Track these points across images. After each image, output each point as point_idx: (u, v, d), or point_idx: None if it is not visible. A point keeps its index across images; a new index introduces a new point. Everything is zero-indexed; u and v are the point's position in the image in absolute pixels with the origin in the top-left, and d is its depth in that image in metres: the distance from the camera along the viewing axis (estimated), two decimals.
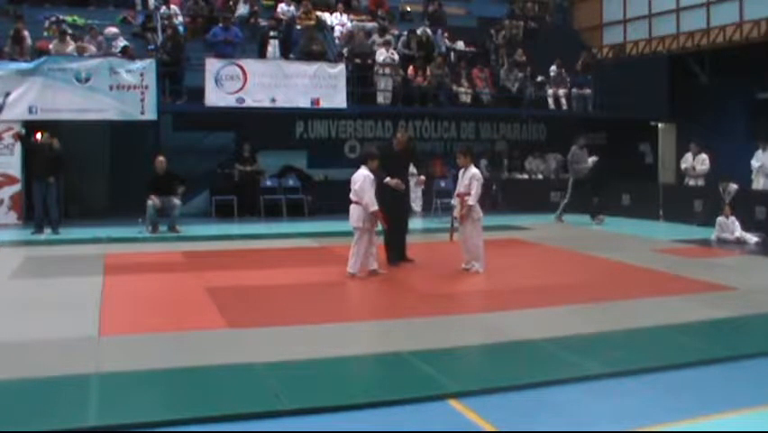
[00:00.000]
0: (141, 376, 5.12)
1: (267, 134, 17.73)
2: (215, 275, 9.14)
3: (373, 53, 18.22)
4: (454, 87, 19.00)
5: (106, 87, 15.46)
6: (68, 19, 17.30)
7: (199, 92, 16.17)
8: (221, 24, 17.17)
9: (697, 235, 13.17)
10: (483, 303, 7.84)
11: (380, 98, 18.00)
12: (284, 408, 4.48)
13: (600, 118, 19.93)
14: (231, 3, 19.04)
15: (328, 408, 4.50)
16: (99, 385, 4.87)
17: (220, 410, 4.40)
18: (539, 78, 19.90)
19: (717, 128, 18.23)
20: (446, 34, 20.56)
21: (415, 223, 16.39)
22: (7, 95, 14.99)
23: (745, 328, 6.73)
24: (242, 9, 18.87)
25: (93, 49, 16.13)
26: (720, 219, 12.97)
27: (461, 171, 9.61)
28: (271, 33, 17.51)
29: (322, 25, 19.15)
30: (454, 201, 9.98)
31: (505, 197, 18.63)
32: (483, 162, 19.57)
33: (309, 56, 17.44)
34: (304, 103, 17.03)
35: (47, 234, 13.39)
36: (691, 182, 16.10)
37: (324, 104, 17.14)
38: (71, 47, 15.82)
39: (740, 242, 12.50)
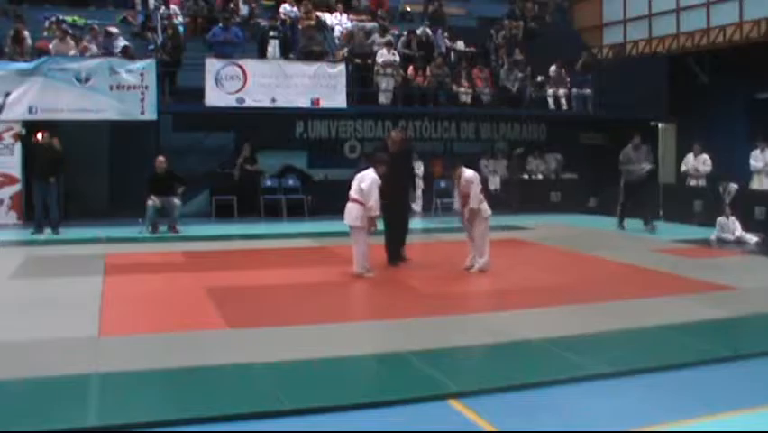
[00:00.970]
0: (141, 376, 5.12)
1: (267, 134, 17.73)
2: (215, 275, 9.14)
3: (373, 53, 18.22)
4: (454, 87, 18.99)
5: (106, 87, 15.45)
6: (68, 19, 17.30)
7: (199, 92, 16.16)
8: (221, 24, 17.17)
9: (697, 235, 13.17)
10: (483, 303, 7.84)
11: (382, 99, 18.00)
12: (284, 408, 4.48)
13: (600, 118, 19.93)
14: (231, 4, 19.03)
15: (328, 408, 4.50)
16: (99, 385, 4.87)
17: (220, 410, 4.40)
18: (539, 78, 19.90)
19: (717, 128, 18.22)
20: (446, 34, 20.55)
21: (415, 223, 16.40)
22: (7, 95, 14.99)
23: (745, 328, 6.73)
24: (243, 9, 18.87)
25: (93, 49, 16.12)
26: (721, 219, 12.97)
27: (456, 181, 9.56)
28: (271, 33, 17.51)
29: (322, 25, 19.14)
30: (457, 205, 9.92)
31: (509, 197, 18.60)
32: (483, 162, 19.60)
33: (309, 56, 17.43)
34: (304, 103, 17.02)
35: (47, 234, 13.39)
36: (693, 182, 16.08)
37: (324, 104, 17.14)
38: (72, 49, 15.81)
39: (740, 242, 12.51)
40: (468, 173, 9.45)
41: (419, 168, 18.15)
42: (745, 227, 12.82)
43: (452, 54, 20.14)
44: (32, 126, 15.02)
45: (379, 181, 8.97)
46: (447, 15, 21.75)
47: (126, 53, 16.16)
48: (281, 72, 16.86)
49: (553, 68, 19.78)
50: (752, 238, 12.55)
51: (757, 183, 15.50)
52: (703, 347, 5.92)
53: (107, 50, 16.23)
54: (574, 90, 19.80)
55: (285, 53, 17.42)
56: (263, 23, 18.35)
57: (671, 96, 19.58)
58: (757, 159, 15.53)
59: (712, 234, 12.94)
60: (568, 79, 19.87)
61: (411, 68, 18.62)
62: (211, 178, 17.27)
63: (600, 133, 20.72)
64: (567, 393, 4.85)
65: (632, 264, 10.06)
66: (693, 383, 5.07)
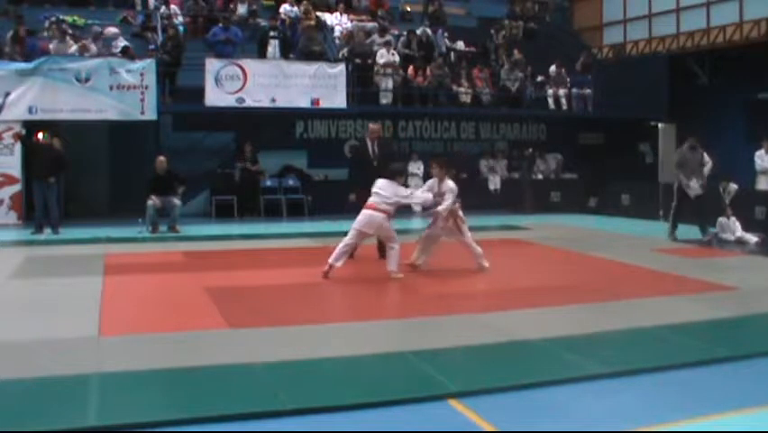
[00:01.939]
0: (141, 376, 5.12)
1: (267, 134, 17.74)
2: (215, 275, 9.14)
3: (373, 53, 18.22)
4: (454, 87, 19.00)
5: (106, 87, 15.46)
6: (68, 19, 17.30)
7: (199, 92, 16.16)
8: (221, 24, 17.18)
9: (697, 235, 13.16)
10: (483, 303, 7.83)
11: (382, 99, 18.01)
12: (284, 408, 4.48)
13: (600, 118, 19.94)
14: (231, 4, 19.04)
15: (328, 408, 4.49)
16: (99, 385, 4.87)
17: (220, 410, 4.40)
18: (539, 78, 19.91)
19: (717, 128, 18.23)
20: (446, 34, 20.56)
21: (414, 223, 16.40)
22: (7, 95, 15.00)
23: (744, 328, 6.73)
24: (241, 9, 18.87)
25: (93, 49, 16.13)
26: (721, 220, 12.96)
27: (436, 181, 9.52)
28: (271, 33, 17.52)
29: (322, 25, 19.15)
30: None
31: (521, 198, 18.57)
32: (483, 162, 19.61)
33: (309, 56, 17.44)
34: (304, 103, 17.03)
35: (47, 234, 13.39)
36: None
37: (324, 104, 17.14)
38: (73, 48, 15.82)
39: (740, 242, 12.50)
40: (450, 183, 9.43)
41: (419, 168, 18.17)
42: (745, 227, 12.82)
43: (452, 54, 20.16)
44: (32, 126, 15.04)
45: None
46: (447, 15, 21.77)
47: (126, 53, 16.17)
48: (281, 72, 16.87)
49: (552, 68, 19.80)
50: (752, 238, 12.55)
51: (765, 183, 15.38)
52: (703, 347, 5.92)
53: (107, 51, 16.23)
54: (574, 90, 19.81)
55: (285, 53, 17.43)
56: (263, 23, 18.36)
57: (671, 96, 19.60)
58: (763, 158, 15.44)
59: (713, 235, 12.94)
60: (568, 79, 19.88)
61: (411, 68, 18.63)
62: (211, 178, 17.29)
63: (600, 133, 20.74)
64: (567, 393, 4.85)
65: (632, 264, 10.06)
66: (693, 383, 5.07)
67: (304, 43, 17.73)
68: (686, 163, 13.07)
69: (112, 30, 16.93)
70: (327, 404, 4.54)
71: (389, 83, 18.05)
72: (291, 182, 17.58)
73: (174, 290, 8.34)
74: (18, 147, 15.04)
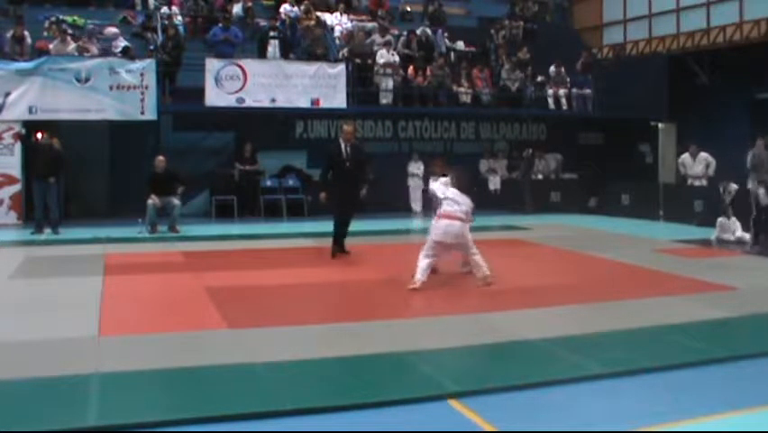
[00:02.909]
0: (141, 376, 5.12)
1: (267, 134, 17.73)
2: (215, 275, 9.14)
3: (373, 53, 18.22)
4: (454, 87, 19.00)
5: (106, 87, 15.46)
6: (68, 19, 17.30)
7: (199, 92, 16.17)
8: (220, 24, 17.18)
9: (697, 235, 13.17)
10: (483, 303, 7.83)
11: (382, 99, 18.00)
12: (284, 408, 4.48)
13: (600, 118, 19.94)
14: (228, 5, 19.03)
15: (328, 408, 4.50)
16: (99, 385, 4.87)
17: (220, 410, 4.40)
18: (539, 78, 19.91)
19: (717, 128, 18.23)
20: (446, 34, 20.56)
21: (415, 223, 16.41)
22: (7, 95, 15.00)
23: (744, 328, 6.73)
24: (236, 8, 18.86)
25: (94, 49, 16.13)
26: (721, 220, 12.96)
27: (434, 178, 9.36)
28: (271, 33, 17.52)
29: (322, 26, 19.15)
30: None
31: (506, 197, 18.60)
32: (483, 163, 19.60)
33: (311, 57, 17.42)
34: (304, 103, 17.03)
35: (47, 234, 13.39)
36: (696, 183, 16.01)
37: (324, 104, 17.14)
38: (72, 46, 15.82)
39: (740, 242, 12.50)
40: (433, 186, 9.16)
41: (419, 168, 18.17)
42: (745, 227, 12.82)
43: (452, 54, 20.15)
44: (32, 126, 15.04)
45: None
46: (447, 15, 21.76)
47: (126, 53, 16.17)
48: (281, 72, 16.86)
49: (552, 68, 19.80)
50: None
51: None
52: (703, 347, 5.92)
53: (107, 51, 16.24)
54: (574, 90, 19.81)
55: (285, 53, 17.43)
56: (263, 23, 18.36)
57: (671, 96, 19.59)
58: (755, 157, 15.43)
59: (712, 235, 12.94)
60: (568, 79, 19.88)
61: (411, 68, 18.62)
62: (211, 178, 17.28)
63: (600, 133, 20.74)
64: (567, 393, 4.85)
65: (632, 264, 10.06)
66: (693, 383, 5.07)
67: (308, 45, 17.71)
68: (762, 164, 12.16)
69: (112, 30, 16.93)
70: (327, 404, 4.54)
71: (389, 83, 18.04)
72: (291, 182, 17.57)
73: (174, 290, 8.34)
74: (18, 147, 15.04)
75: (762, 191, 12.06)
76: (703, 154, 16.03)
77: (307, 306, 7.55)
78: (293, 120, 18.38)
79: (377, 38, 18.76)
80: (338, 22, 19.82)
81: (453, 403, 4.60)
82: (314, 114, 17.99)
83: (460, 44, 20.73)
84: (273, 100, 16.72)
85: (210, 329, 6.49)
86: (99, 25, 17.13)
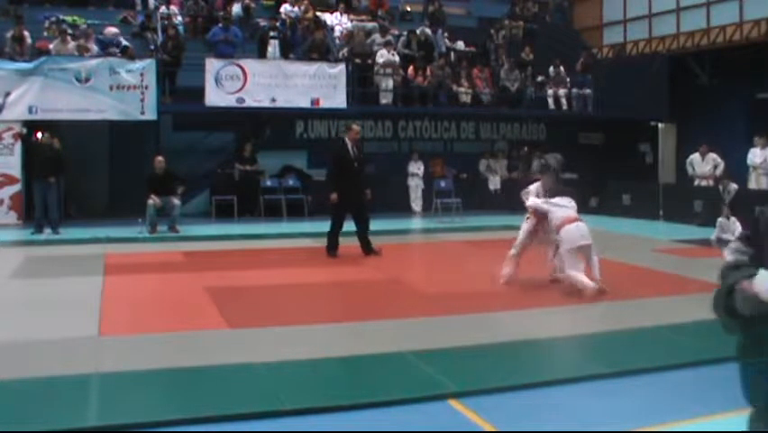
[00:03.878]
0: (141, 376, 5.12)
1: (267, 134, 17.73)
2: (215, 275, 9.13)
3: (373, 53, 18.22)
4: (454, 87, 19.00)
5: (106, 87, 15.46)
6: (68, 19, 17.30)
7: (199, 92, 16.17)
8: (221, 24, 17.19)
9: (697, 235, 13.17)
10: (483, 303, 7.83)
11: (382, 99, 18.00)
12: (284, 408, 4.48)
13: (600, 118, 19.94)
14: (228, 6, 19.03)
15: (328, 408, 4.49)
16: (99, 385, 4.87)
17: (220, 410, 4.40)
18: (539, 78, 19.91)
19: (718, 128, 18.24)
20: (446, 34, 20.56)
21: (415, 223, 16.41)
22: (7, 95, 14.99)
23: None
24: (236, 8, 18.86)
25: (94, 49, 16.13)
26: (721, 220, 12.94)
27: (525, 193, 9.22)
28: (271, 33, 17.52)
29: (322, 26, 19.15)
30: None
31: (506, 197, 18.59)
32: (483, 162, 19.60)
33: (312, 51, 17.42)
34: (304, 103, 17.03)
35: (47, 234, 13.39)
36: (703, 183, 15.96)
37: (324, 104, 17.14)
38: (71, 45, 15.82)
39: None
40: (532, 201, 8.76)
41: (419, 168, 18.18)
42: (745, 227, 12.79)
43: (452, 54, 20.15)
44: (32, 126, 15.04)
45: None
46: (447, 15, 21.75)
47: (126, 53, 16.17)
48: (281, 72, 16.86)
49: (552, 68, 19.80)
50: None
51: (755, 182, 15.44)
52: (702, 347, 5.92)
53: (107, 51, 16.24)
54: (574, 90, 19.81)
55: (285, 53, 17.43)
56: (263, 23, 18.36)
57: (671, 96, 19.60)
58: (756, 155, 15.46)
59: (712, 235, 12.93)
60: (568, 79, 19.89)
61: (411, 68, 18.62)
62: (211, 178, 17.28)
63: (600, 133, 20.74)
64: (567, 393, 4.84)
65: (632, 264, 10.06)
66: (692, 383, 5.07)
67: (307, 47, 17.72)
68: None
69: (112, 30, 16.93)
70: (327, 404, 4.54)
71: (389, 83, 18.04)
72: (291, 182, 17.57)
73: (174, 290, 8.34)
74: (18, 147, 15.04)
75: None
76: (712, 155, 16.02)
77: (307, 306, 7.55)
78: (293, 120, 18.38)
79: (377, 38, 18.76)
80: (338, 22, 19.82)
81: (453, 403, 4.60)
82: (314, 114, 17.98)
83: (460, 44, 20.73)
84: (273, 100, 16.72)
85: (210, 329, 6.49)
86: (99, 25, 17.12)
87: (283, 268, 9.83)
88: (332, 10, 20.33)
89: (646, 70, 19.86)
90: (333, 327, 6.63)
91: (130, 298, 7.87)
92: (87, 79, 15.35)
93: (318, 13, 19.39)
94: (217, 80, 16.24)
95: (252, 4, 19.01)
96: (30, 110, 15.09)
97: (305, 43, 17.92)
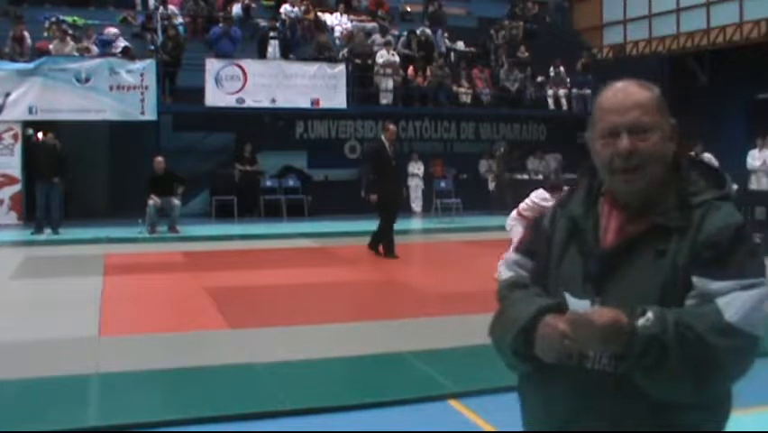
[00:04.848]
0: (141, 376, 5.12)
1: (267, 134, 17.74)
2: (215, 275, 9.13)
3: (373, 53, 18.23)
4: (454, 87, 19.00)
5: (106, 88, 15.46)
6: (68, 19, 17.30)
7: (199, 92, 16.17)
8: (221, 24, 17.20)
9: None
10: (483, 303, 7.82)
11: (382, 99, 18.00)
12: (284, 408, 4.47)
13: None
14: (228, 6, 19.02)
15: (328, 408, 4.49)
16: (99, 385, 4.87)
17: (220, 410, 4.40)
18: (539, 78, 19.91)
19: (717, 128, 18.23)
20: (446, 34, 20.56)
21: (415, 223, 16.41)
22: (7, 95, 15.00)
23: None
24: (236, 8, 18.86)
25: (94, 49, 16.13)
26: None
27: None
28: (271, 33, 17.52)
29: (322, 27, 19.16)
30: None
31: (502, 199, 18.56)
32: (483, 163, 19.59)
33: (321, 53, 17.43)
34: (304, 103, 17.03)
35: (47, 234, 13.39)
36: None
37: (324, 104, 17.14)
38: (70, 46, 15.82)
39: None
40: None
41: (419, 168, 18.17)
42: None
43: (452, 54, 20.15)
44: (36, 126, 15.06)
45: None
46: (447, 15, 21.76)
47: (126, 53, 16.17)
48: (281, 72, 16.86)
49: (552, 68, 19.80)
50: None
51: (755, 183, 15.46)
52: None
53: (107, 51, 16.25)
54: (574, 90, 19.81)
55: (285, 53, 17.43)
56: (263, 23, 18.36)
57: (671, 96, 19.47)
58: (755, 157, 15.48)
59: None
60: (568, 79, 19.88)
61: (411, 68, 18.62)
62: (211, 178, 17.28)
63: None
64: None
65: None
66: None
67: (314, 49, 17.74)
68: None
69: (112, 30, 16.93)
70: (327, 404, 4.53)
71: (389, 83, 18.04)
72: (291, 182, 17.57)
73: (174, 290, 8.34)
74: (18, 147, 15.04)
75: None
76: (707, 155, 16.03)
77: (307, 306, 7.55)
78: (293, 120, 18.38)
79: (377, 38, 18.76)
80: (338, 22, 19.83)
81: (453, 403, 4.60)
82: (314, 114, 17.98)
83: (460, 44, 20.73)
84: (273, 100, 16.72)
85: (210, 329, 6.49)
86: (99, 25, 17.12)
87: (283, 268, 9.83)
88: (332, 10, 20.34)
89: (646, 70, 19.85)
90: (333, 326, 6.63)
91: (130, 298, 7.87)
92: (87, 80, 15.35)
93: (318, 14, 19.38)
94: (217, 80, 16.24)
95: (252, 5, 18.99)
96: (30, 110, 15.10)
97: (311, 45, 17.91)
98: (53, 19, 17.10)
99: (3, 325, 6.64)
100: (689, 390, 1.56)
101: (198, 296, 7.88)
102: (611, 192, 1.69)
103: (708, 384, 1.61)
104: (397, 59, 18.34)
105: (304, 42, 18.39)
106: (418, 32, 19.69)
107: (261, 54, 17.31)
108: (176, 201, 13.95)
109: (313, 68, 17.09)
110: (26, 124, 15.16)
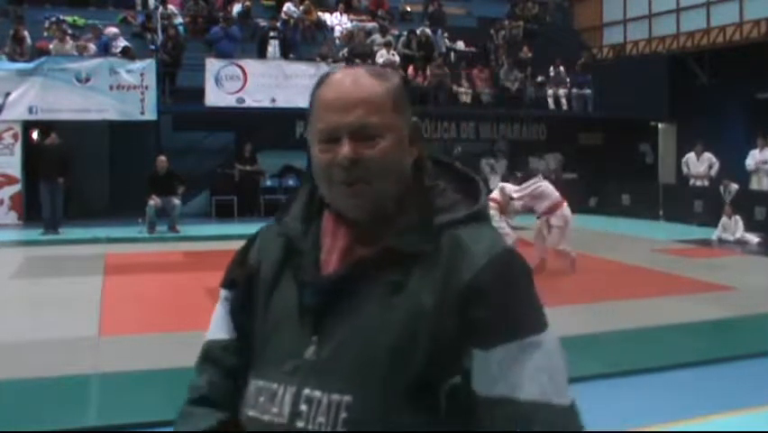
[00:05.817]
0: (141, 376, 5.12)
1: (267, 134, 17.73)
2: (215, 275, 8.99)
3: (373, 53, 18.22)
4: (454, 87, 18.99)
5: (106, 87, 15.45)
6: (69, 19, 17.30)
7: (199, 92, 16.16)
8: (221, 24, 17.19)
9: (697, 235, 13.17)
10: None
11: None
12: None
13: (600, 118, 19.93)
14: (228, 6, 19.02)
15: None
16: (99, 385, 4.87)
17: None
18: (539, 78, 19.91)
19: (717, 128, 18.23)
20: (446, 34, 20.56)
21: None
22: (7, 95, 14.99)
23: (744, 328, 6.72)
24: (236, 8, 18.86)
25: (93, 48, 16.13)
26: (724, 220, 12.93)
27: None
28: (271, 33, 17.52)
29: (322, 26, 19.16)
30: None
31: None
32: (483, 161, 19.60)
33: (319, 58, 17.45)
34: (304, 103, 16.82)
35: (51, 233, 13.38)
36: (698, 183, 16.02)
37: None
38: (70, 45, 15.81)
39: (741, 242, 12.50)
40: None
41: None
42: (746, 227, 12.82)
43: (452, 54, 20.15)
44: (37, 126, 15.05)
45: None
46: (447, 15, 21.76)
47: (126, 53, 16.17)
48: (281, 72, 16.85)
49: (552, 68, 19.80)
50: (753, 239, 12.54)
51: (756, 183, 15.45)
52: (703, 347, 5.92)
53: (107, 51, 16.25)
54: (574, 90, 19.81)
55: (285, 53, 17.42)
56: (263, 23, 18.36)
57: (671, 96, 19.59)
58: (755, 158, 15.47)
59: (713, 235, 12.94)
60: (568, 79, 19.88)
61: (411, 68, 18.61)
62: (211, 178, 17.28)
63: (600, 133, 20.74)
64: None
65: (632, 264, 10.06)
66: (693, 383, 5.07)
67: (322, 50, 17.76)
68: None
69: (112, 30, 16.93)
70: None
71: None
72: (291, 182, 17.57)
73: (174, 290, 8.34)
74: (18, 147, 15.03)
75: None
76: (707, 154, 16.04)
77: None
78: (293, 120, 18.36)
79: (377, 38, 18.76)
80: (338, 22, 19.82)
81: None
82: None
83: (460, 44, 20.73)
84: (273, 100, 16.71)
85: None
86: (99, 25, 17.11)
87: None
88: (332, 10, 20.34)
89: (646, 70, 19.86)
90: None
91: (130, 298, 7.87)
92: (87, 79, 15.34)
93: (318, 14, 19.38)
94: (217, 80, 16.23)
95: (248, 3, 18.99)
96: (30, 110, 15.09)
97: (311, 45, 17.89)
98: (53, 19, 17.08)
99: (3, 325, 6.64)
100: None
101: (198, 296, 7.87)
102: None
103: None
104: (397, 58, 18.34)
105: (304, 42, 18.37)
106: (418, 31, 19.68)
107: (261, 54, 17.31)
108: (176, 201, 13.96)
109: (313, 68, 17.08)
110: (26, 124, 15.13)
